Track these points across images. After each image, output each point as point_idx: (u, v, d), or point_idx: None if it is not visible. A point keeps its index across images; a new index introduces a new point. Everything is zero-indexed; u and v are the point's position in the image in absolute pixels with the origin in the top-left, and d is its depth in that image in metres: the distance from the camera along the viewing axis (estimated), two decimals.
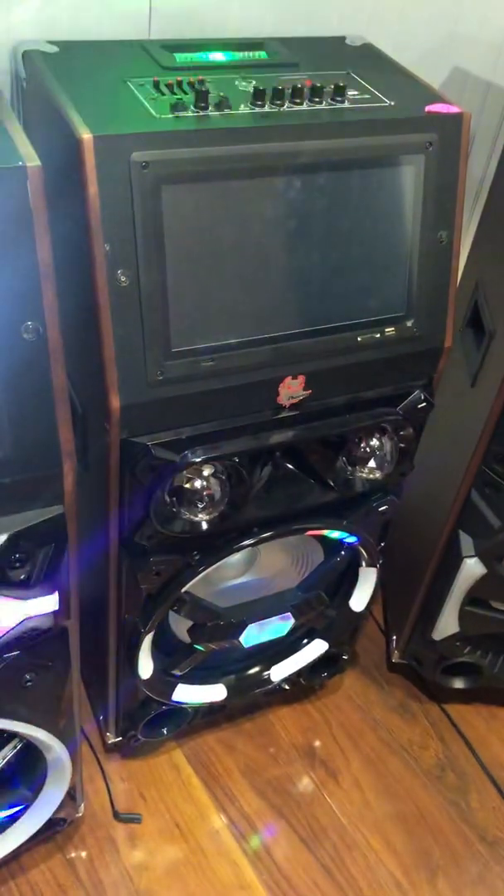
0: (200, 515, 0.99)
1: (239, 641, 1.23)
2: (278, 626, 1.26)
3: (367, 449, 1.09)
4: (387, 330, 0.98)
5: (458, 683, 1.45)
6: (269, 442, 0.99)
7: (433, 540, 1.32)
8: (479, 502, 1.24)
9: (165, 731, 1.32)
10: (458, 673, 1.45)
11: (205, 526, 0.99)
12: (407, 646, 1.47)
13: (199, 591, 1.15)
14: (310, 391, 0.98)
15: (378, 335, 0.97)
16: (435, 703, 1.51)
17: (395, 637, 1.50)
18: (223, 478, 0.98)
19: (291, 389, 0.97)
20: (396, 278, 0.97)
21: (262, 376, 0.94)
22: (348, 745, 1.45)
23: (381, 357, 1.00)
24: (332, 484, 1.08)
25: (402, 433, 1.08)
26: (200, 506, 0.98)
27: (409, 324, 0.99)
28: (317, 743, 1.44)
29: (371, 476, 1.10)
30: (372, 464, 1.09)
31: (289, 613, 1.25)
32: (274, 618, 1.25)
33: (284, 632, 1.27)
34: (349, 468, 1.09)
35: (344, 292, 0.95)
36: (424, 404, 1.06)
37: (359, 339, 0.97)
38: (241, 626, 1.22)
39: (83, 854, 1.26)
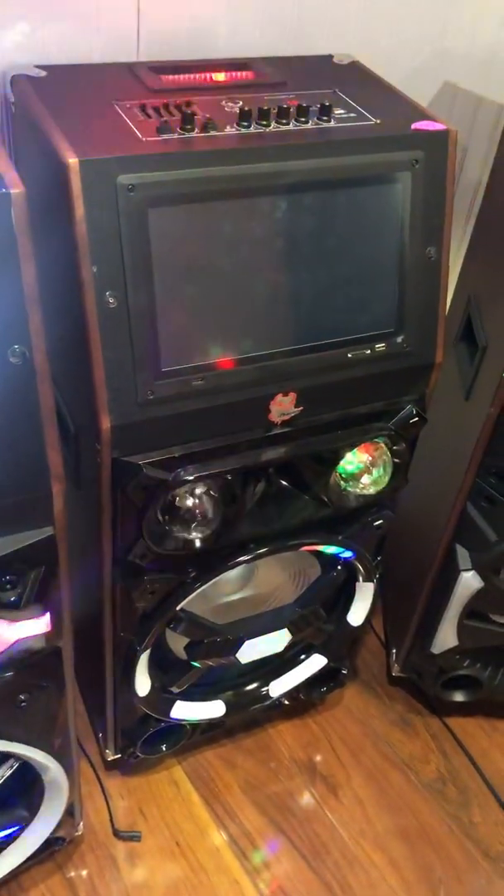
0: (194, 534, 0.99)
1: (236, 658, 1.23)
2: (276, 642, 1.26)
3: (361, 464, 1.09)
4: (377, 346, 0.98)
5: (459, 697, 1.45)
6: (261, 459, 0.99)
7: (430, 554, 1.32)
8: (476, 516, 1.24)
9: (164, 748, 1.31)
10: (458, 686, 1.44)
11: (198, 544, 0.99)
12: (407, 659, 1.47)
13: (196, 607, 1.15)
14: (301, 408, 0.99)
15: (368, 352, 0.98)
16: (436, 716, 1.50)
17: (394, 650, 1.50)
18: (216, 496, 0.98)
19: (283, 406, 0.97)
20: (385, 295, 0.97)
21: (253, 394, 0.94)
22: (349, 760, 1.44)
23: (371, 373, 1.00)
24: (325, 499, 1.08)
25: (395, 448, 1.08)
26: (194, 524, 0.98)
27: (399, 340, 0.99)
28: (317, 758, 1.44)
29: (365, 491, 1.10)
30: (365, 479, 1.09)
31: (286, 629, 1.25)
32: (271, 634, 1.25)
33: (282, 648, 1.27)
34: (342, 484, 1.09)
35: (333, 309, 0.95)
36: (417, 419, 1.06)
37: (349, 355, 0.97)
38: (239, 643, 1.22)
39: (83, 873, 1.26)
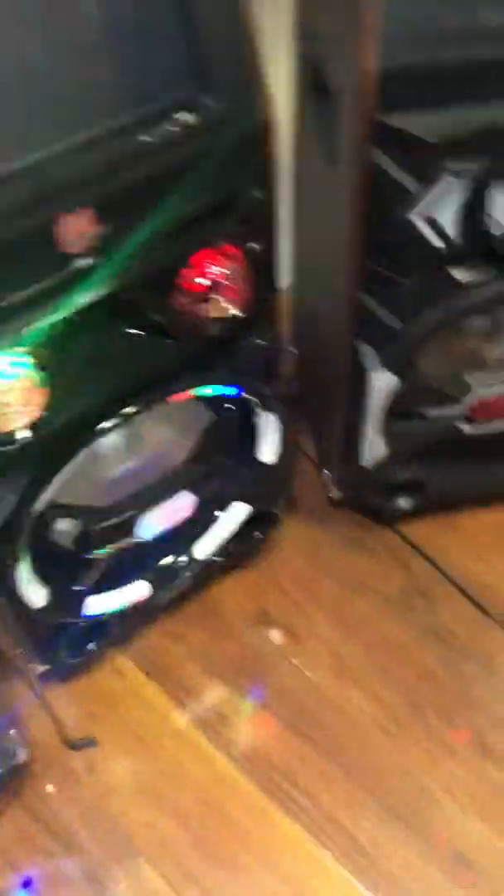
0: (12, 424, 0.77)
1: (138, 536, 1.06)
2: (181, 507, 1.09)
3: (211, 280, 0.86)
4: (177, 117, 0.72)
5: (404, 504, 1.30)
6: (68, 308, 0.76)
7: (337, 361, 1.12)
8: (374, 305, 1.03)
9: (94, 646, 1.17)
10: (402, 493, 1.30)
11: (21, 435, 0.78)
12: (342, 479, 1.31)
13: (71, 496, 0.96)
14: (103, 225, 0.74)
15: (168, 127, 0.72)
16: (387, 529, 1.37)
17: (328, 473, 1.34)
18: (28, 370, 0.76)
19: (76, 230, 0.73)
20: (170, 43, 0.70)
21: (25, 226, 0.70)
22: (304, 599, 1.31)
23: (183, 157, 0.75)
24: (179, 334, 0.86)
25: (248, 249, 0.85)
26: (8, 412, 0.77)
27: (205, 102, 0.73)
28: (270, 606, 1.31)
29: (225, 313, 0.88)
30: (221, 297, 0.87)
31: (188, 491, 1.07)
32: (172, 499, 1.07)
33: (189, 512, 1.10)
34: (195, 309, 0.86)
35: (102, 80, 0.69)
36: (263, 205, 0.82)
37: (143, 139, 0.72)
38: (134, 520, 1.04)
39: (44, 793, 1.15)
